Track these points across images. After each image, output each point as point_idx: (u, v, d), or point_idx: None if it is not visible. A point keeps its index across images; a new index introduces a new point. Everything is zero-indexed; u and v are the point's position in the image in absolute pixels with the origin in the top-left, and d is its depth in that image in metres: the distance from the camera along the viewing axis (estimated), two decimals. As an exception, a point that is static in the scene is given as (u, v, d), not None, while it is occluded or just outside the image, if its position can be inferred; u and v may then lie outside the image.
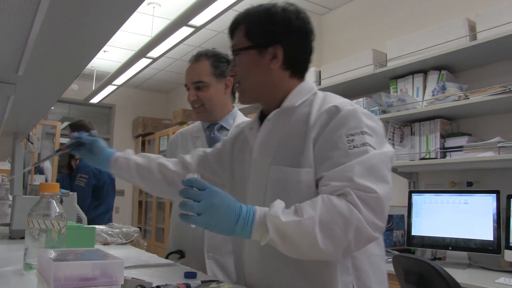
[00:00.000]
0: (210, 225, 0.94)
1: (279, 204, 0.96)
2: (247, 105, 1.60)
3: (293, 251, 0.96)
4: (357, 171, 0.97)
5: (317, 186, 1.05)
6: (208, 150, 1.46)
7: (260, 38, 1.16)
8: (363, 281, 1.09)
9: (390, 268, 2.09)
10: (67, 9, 0.75)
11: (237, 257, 1.25)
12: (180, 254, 1.75)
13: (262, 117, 1.24)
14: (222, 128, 1.85)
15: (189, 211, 0.93)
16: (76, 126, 3.89)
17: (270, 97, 1.20)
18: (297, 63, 1.20)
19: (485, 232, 2.34)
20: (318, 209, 0.93)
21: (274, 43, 1.15)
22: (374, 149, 1.01)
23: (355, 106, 1.09)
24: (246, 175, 1.22)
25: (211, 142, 1.81)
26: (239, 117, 1.89)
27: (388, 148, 1.05)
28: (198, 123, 1.93)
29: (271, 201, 1.02)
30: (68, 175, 3.76)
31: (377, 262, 1.14)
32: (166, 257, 1.75)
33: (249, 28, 1.17)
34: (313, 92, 1.19)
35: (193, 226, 0.95)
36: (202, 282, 1.03)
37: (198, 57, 1.79)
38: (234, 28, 1.21)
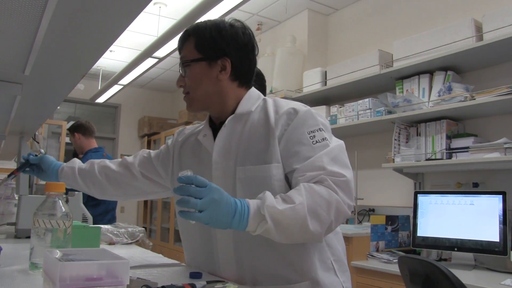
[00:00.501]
0: (212, 221, 0.98)
1: (270, 195, 1.03)
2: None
3: (284, 237, 1.04)
4: (326, 160, 1.11)
5: (286, 179, 1.17)
6: (152, 152, 1.54)
7: (209, 50, 1.23)
8: (337, 255, 1.25)
9: (396, 269, 2.09)
10: (74, 9, 0.75)
11: (208, 250, 1.26)
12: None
13: (211, 124, 1.33)
14: None
15: (192, 208, 0.95)
16: (73, 128, 3.92)
17: (220, 105, 1.27)
18: (244, 74, 1.28)
19: (491, 233, 2.33)
20: (304, 195, 1.04)
21: (222, 56, 1.23)
22: (330, 142, 1.17)
23: (308, 107, 1.22)
24: (206, 179, 1.23)
25: None
26: None
27: (338, 140, 1.21)
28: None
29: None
30: None
31: (341, 238, 1.31)
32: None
33: (199, 41, 1.23)
34: (261, 98, 1.30)
35: (193, 222, 0.97)
36: (208, 282, 1.03)
37: None
38: (183, 40, 1.27)
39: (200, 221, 0.97)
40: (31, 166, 1.61)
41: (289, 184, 1.17)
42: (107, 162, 1.58)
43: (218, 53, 1.23)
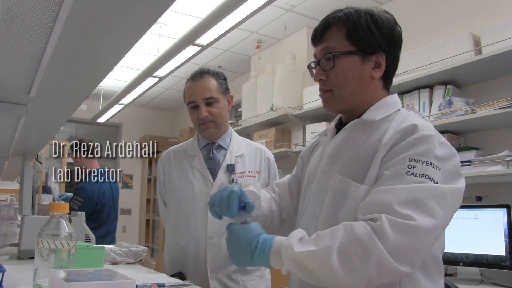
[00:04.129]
0: (231, 254, 1.01)
1: (296, 234, 0.94)
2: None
3: (312, 279, 0.91)
4: (401, 198, 0.88)
5: None
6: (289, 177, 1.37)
7: (365, 43, 1.06)
8: None
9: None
10: (80, 32, 0.76)
11: None
12: (180, 275, 1.72)
13: (339, 124, 1.19)
14: (220, 147, 1.83)
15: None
16: (83, 146, 3.92)
17: (360, 107, 1.11)
18: (392, 74, 1.14)
19: (497, 247, 2.31)
20: (338, 238, 0.88)
21: (379, 51, 1.07)
22: (435, 183, 0.91)
23: (434, 132, 0.99)
24: (311, 180, 1.18)
25: (210, 162, 1.80)
26: (234, 136, 1.87)
27: (455, 184, 0.95)
28: (190, 141, 1.90)
29: (327, 210, 1.05)
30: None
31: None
32: None
33: (353, 31, 1.06)
34: (397, 109, 1.11)
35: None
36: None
37: (203, 74, 1.78)
38: (326, 27, 1.09)
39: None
40: None
41: None
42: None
43: (375, 46, 1.06)
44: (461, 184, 0.97)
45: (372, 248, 0.84)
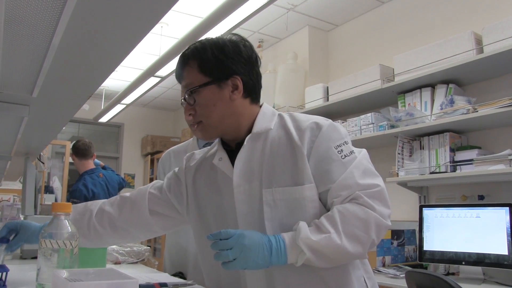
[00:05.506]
0: (248, 265, 1.00)
1: (305, 226, 1.03)
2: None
3: (326, 263, 1.05)
4: (357, 175, 1.08)
5: (320, 199, 1.12)
6: (158, 186, 1.38)
7: (216, 71, 1.15)
8: (369, 272, 1.21)
9: (403, 284, 2.07)
10: (82, 33, 0.77)
11: (234, 275, 1.20)
12: (181, 275, 1.73)
13: (225, 147, 1.24)
14: None
15: (226, 259, 0.99)
16: (72, 148, 3.93)
17: (236, 127, 1.19)
18: (254, 89, 1.21)
19: (499, 246, 2.31)
20: (338, 221, 1.02)
21: (232, 75, 1.15)
22: (355, 152, 1.14)
23: (329, 120, 1.18)
24: (226, 205, 1.19)
25: None
26: None
27: (361, 150, 1.17)
28: (190, 141, 1.90)
29: (271, 223, 1.10)
30: None
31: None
32: None
33: (203, 64, 1.15)
34: (277, 114, 1.23)
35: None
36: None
37: None
38: (183, 66, 1.18)
39: (237, 268, 1.00)
40: (12, 242, 1.32)
41: (323, 203, 1.13)
42: (106, 207, 1.36)
43: (227, 72, 1.15)
44: (363, 149, 1.18)
45: (369, 218, 1.03)
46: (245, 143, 1.16)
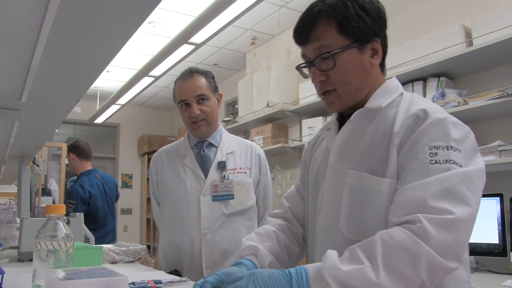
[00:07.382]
0: None
1: (333, 254, 0.87)
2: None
3: None
4: (433, 191, 0.85)
5: None
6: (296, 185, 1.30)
7: (359, 33, 1.00)
8: None
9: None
10: (66, 38, 0.78)
11: None
12: (176, 273, 1.74)
13: (340, 116, 1.13)
14: (210, 145, 1.85)
15: None
16: (70, 147, 3.94)
17: (364, 98, 1.06)
18: (385, 56, 1.09)
19: (490, 235, 2.33)
20: (379, 251, 0.82)
21: (373, 37, 1.03)
22: (459, 166, 0.89)
23: (446, 114, 0.96)
24: (321, 178, 1.12)
25: (201, 160, 1.82)
26: (224, 134, 1.90)
27: (476, 163, 0.92)
28: (181, 141, 1.92)
29: (347, 209, 0.99)
30: None
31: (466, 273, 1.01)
32: None
33: (344, 23, 0.99)
34: (400, 93, 1.07)
35: None
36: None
37: (192, 73, 1.79)
38: (313, 24, 1.02)
39: None
40: None
41: None
42: (280, 234, 1.21)
43: (369, 34, 1.02)
44: (482, 162, 0.94)
45: (419, 252, 0.81)
46: (352, 117, 1.05)
